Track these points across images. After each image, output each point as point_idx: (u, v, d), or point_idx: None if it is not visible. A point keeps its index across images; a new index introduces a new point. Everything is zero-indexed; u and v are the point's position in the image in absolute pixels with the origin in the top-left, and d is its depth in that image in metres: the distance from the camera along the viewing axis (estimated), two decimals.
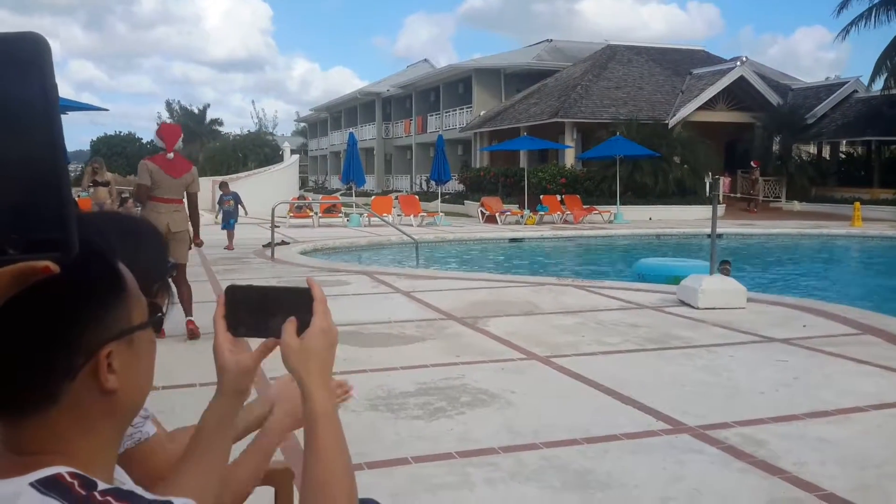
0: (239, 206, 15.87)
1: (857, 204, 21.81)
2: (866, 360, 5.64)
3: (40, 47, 0.68)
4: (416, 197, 25.66)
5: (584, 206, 23.46)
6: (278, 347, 0.97)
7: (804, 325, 6.93)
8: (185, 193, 6.69)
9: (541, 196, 24.11)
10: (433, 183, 27.31)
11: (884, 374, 5.29)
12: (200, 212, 7.27)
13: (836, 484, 3.42)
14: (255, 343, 1.03)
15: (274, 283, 0.99)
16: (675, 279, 8.75)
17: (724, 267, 12.30)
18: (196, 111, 66.24)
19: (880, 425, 4.26)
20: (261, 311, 0.98)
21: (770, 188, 29.05)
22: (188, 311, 6.49)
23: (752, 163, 28.18)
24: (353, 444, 3.68)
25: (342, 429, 0.96)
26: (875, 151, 29.14)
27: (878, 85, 27.35)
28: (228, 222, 15.24)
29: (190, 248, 6.92)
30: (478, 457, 3.76)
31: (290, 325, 0.95)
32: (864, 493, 3.37)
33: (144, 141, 67.34)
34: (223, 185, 16.73)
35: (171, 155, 6.63)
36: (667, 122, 27.27)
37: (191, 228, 6.91)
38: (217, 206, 16.28)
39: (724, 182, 27.24)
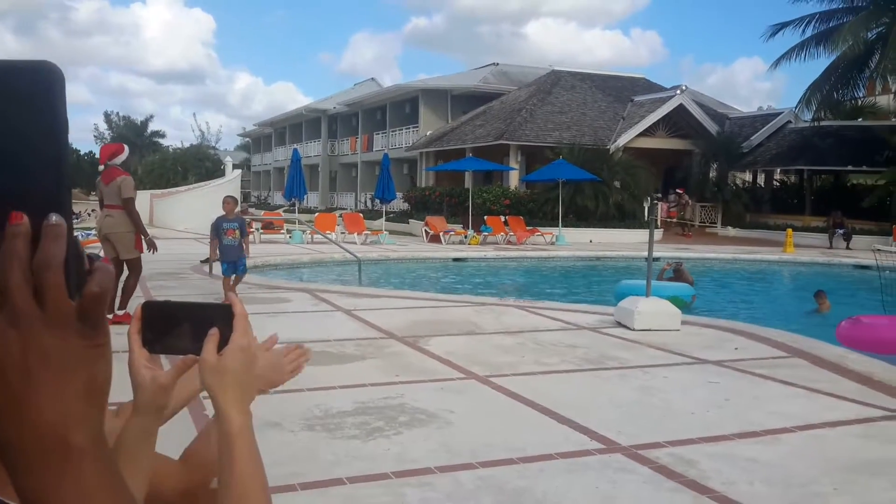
0: (245, 238, 9.39)
1: (790, 231, 22.55)
2: (794, 382, 5.81)
3: (53, 78, 0.61)
4: (361, 215, 25.58)
5: (528, 228, 23.71)
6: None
7: (736, 348, 7.12)
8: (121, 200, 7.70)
9: (485, 217, 24.30)
10: (378, 201, 27.30)
11: (810, 395, 5.46)
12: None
13: (763, 503, 3.50)
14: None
15: (210, 300, 0.97)
16: None
17: (678, 267, 12.63)
18: (139, 122, 65.03)
19: (806, 446, 4.39)
20: (179, 328, 0.96)
21: (706, 214, 29.86)
22: (124, 303, 7.59)
23: (676, 189, 29.02)
24: (288, 464, 3.63)
25: (258, 448, 0.95)
26: (807, 180, 30.23)
27: (805, 115, 28.45)
28: (236, 264, 9.18)
29: (152, 251, 8.03)
30: (414, 477, 3.75)
31: (210, 342, 0.94)
32: None
33: (83, 153, 65.85)
34: (228, 203, 9.36)
35: (101, 167, 7.92)
36: (608, 147, 27.83)
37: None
38: (214, 235, 9.28)
39: (662, 207, 27.89)
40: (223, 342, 0.93)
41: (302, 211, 28.72)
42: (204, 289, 10.63)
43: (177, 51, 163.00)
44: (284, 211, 31.90)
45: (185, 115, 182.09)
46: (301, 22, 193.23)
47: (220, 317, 0.94)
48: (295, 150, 26.80)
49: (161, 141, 64.44)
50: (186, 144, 57.65)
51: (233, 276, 9.23)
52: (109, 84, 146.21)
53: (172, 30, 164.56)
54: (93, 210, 31.81)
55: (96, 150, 64.60)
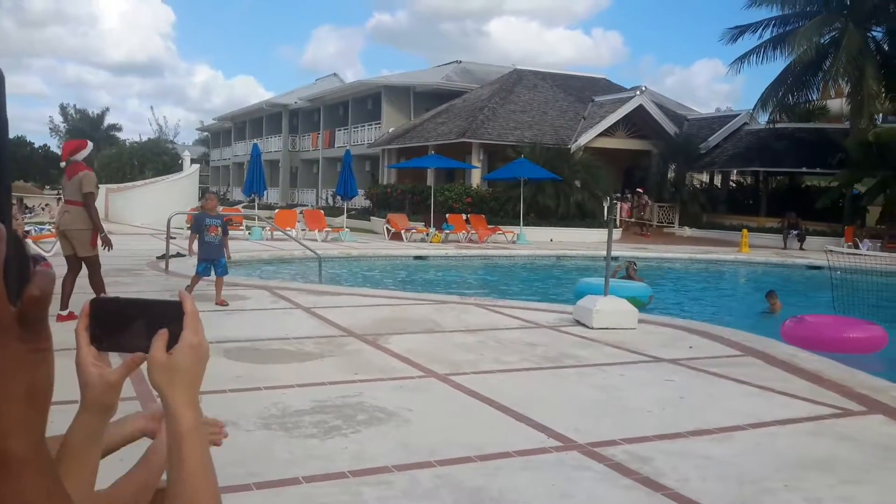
0: (226, 237, 9.20)
1: (745, 231, 22.96)
2: (747, 380, 5.92)
3: None
4: (322, 212, 25.42)
5: (489, 226, 23.80)
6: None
7: (691, 347, 7.22)
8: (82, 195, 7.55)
9: (447, 215, 24.34)
10: (339, 198, 27.15)
11: (762, 394, 5.57)
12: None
13: (715, 500, 3.56)
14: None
15: (165, 297, 0.95)
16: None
17: (630, 266, 12.98)
18: (95, 115, 63.83)
19: (758, 443, 4.47)
20: (128, 325, 0.94)
21: (664, 214, 30.27)
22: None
23: (636, 189, 29.43)
24: (244, 464, 3.58)
25: (209, 448, 0.94)
26: (763, 182, 30.81)
27: (762, 117, 29.04)
28: (214, 263, 8.89)
29: (107, 249, 7.80)
30: (372, 476, 3.73)
31: (159, 340, 0.92)
32: None
33: (37, 146, 64.38)
34: (208, 198, 9.59)
35: (63, 164, 7.84)
36: (569, 146, 28.05)
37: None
38: (191, 230, 9.29)
39: (621, 206, 28.21)
40: (173, 340, 0.92)
41: (262, 207, 28.46)
42: (160, 285, 10.46)
43: (135, 42, 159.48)
44: (244, 207, 31.58)
45: (143, 109, 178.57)
46: (262, 15, 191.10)
47: (170, 314, 0.93)
48: (255, 146, 26.51)
49: (118, 134, 63.36)
50: (144, 138, 56.78)
51: (215, 279, 8.91)
52: (65, 76, 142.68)
53: (130, 21, 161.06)
54: (46, 204, 31.44)
55: (51, 143, 63.36)
